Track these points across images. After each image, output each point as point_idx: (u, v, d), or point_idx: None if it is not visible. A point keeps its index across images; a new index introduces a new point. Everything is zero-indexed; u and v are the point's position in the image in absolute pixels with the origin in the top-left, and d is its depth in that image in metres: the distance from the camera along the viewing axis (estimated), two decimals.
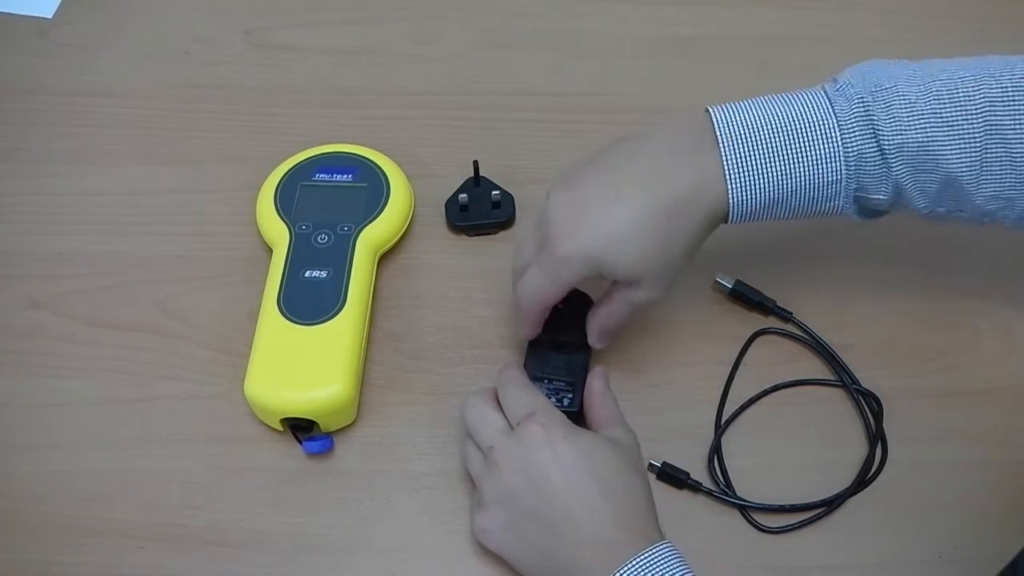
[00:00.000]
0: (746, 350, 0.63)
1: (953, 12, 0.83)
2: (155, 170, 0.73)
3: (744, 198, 0.52)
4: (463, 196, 0.68)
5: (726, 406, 0.61)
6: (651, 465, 0.58)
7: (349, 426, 0.60)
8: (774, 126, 0.51)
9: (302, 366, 0.58)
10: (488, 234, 0.69)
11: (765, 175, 0.51)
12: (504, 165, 0.71)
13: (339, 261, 0.63)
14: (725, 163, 0.51)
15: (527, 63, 0.79)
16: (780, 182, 0.51)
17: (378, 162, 0.68)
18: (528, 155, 0.73)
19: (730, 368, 0.63)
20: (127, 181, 0.72)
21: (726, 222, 0.54)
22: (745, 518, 0.57)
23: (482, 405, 0.56)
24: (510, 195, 0.69)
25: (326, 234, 0.64)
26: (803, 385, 0.62)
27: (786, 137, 0.51)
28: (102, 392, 0.62)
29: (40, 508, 0.58)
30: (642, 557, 0.48)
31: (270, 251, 0.65)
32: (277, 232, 0.65)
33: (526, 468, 0.51)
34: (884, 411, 0.60)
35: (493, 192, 0.68)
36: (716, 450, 0.59)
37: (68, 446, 0.60)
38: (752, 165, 0.51)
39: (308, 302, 0.60)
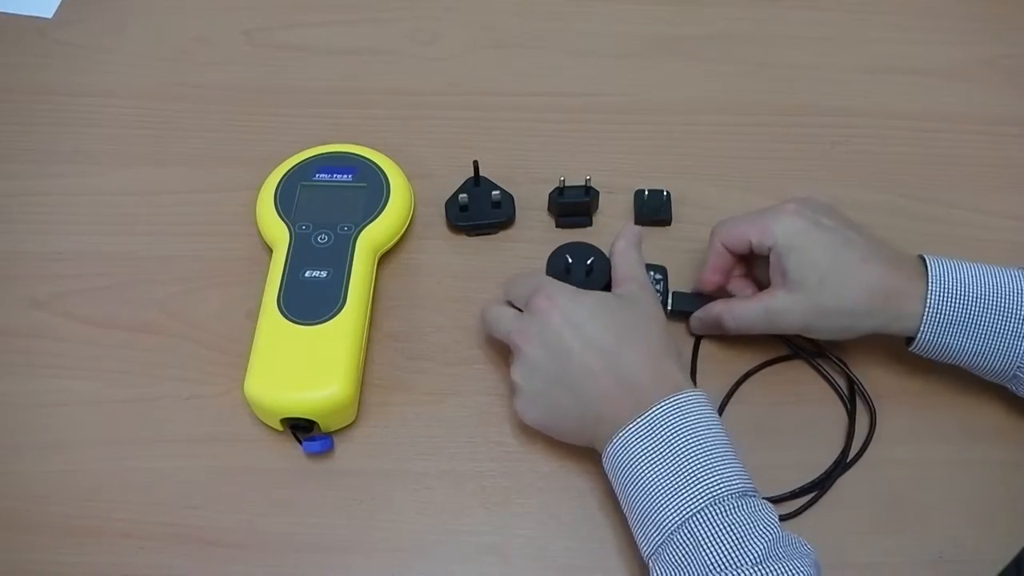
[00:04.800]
0: (698, 348, 0.64)
1: (953, 12, 0.83)
2: (155, 170, 0.73)
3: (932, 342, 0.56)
4: (463, 196, 0.68)
5: None
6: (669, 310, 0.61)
7: (349, 426, 0.60)
8: (979, 280, 0.55)
9: (302, 366, 0.58)
10: (488, 234, 0.69)
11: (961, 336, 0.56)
12: (504, 165, 0.71)
13: (339, 261, 0.62)
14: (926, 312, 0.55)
15: (527, 63, 0.79)
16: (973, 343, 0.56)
17: (378, 162, 0.68)
18: (528, 155, 0.73)
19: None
20: (127, 181, 0.72)
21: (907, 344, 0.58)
22: None
23: (494, 307, 0.60)
24: (510, 195, 0.69)
25: (326, 234, 0.64)
26: (768, 367, 0.63)
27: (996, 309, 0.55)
28: (102, 392, 0.62)
29: (40, 508, 0.58)
30: (667, 403, 0.51)
31: (270, 251, 0.65)
32: (277, 232, 0.65)
33: (541, 338, 0.55)
34: (860, 376, 0.62)
35: (493, 192, 0.68)
36: None
37: (68, 446, 0.60)
38: (951, 299, 0.55)
39: (308, 302, 0.60)
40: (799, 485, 0.58)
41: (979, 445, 0.60)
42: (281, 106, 0.76)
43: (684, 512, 0.49)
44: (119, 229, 0.69)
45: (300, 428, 0.58)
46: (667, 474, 0.50)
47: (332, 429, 0.59)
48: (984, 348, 0.55)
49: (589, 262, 0.61)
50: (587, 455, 0.58)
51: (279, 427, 0.59)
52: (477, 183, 0.69)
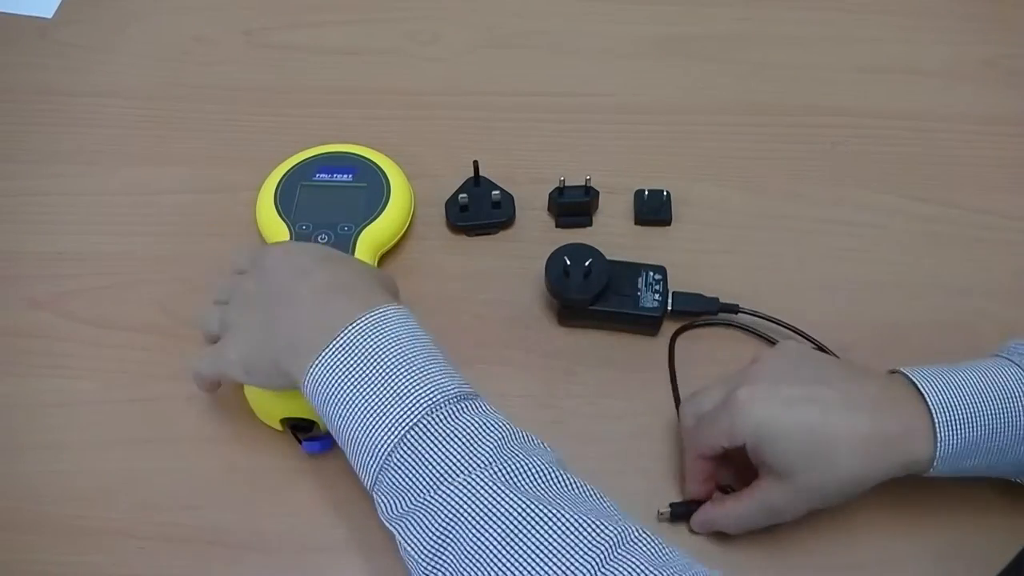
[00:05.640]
0: (673, 350, 0.63)
1: (953, 12, 0.83)
2: (155, 170, 0.73)
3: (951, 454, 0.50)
4: (463, 196, 0.68)
5: None
6: (660, 513, 0.56)
7: None
8: (979, 394, 0.50)
9: None
10: (488, 234, 0.69)
11: (972, 436, 0.49)
12: (504, 165, 0.71)
13: None
14: (935, 418, 0.49)
15: (527, 63, 0.79)
16: (988, 442, 0.50)
17: (378, 162, 0.68)
18: (528, 155, 0.73)
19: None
20: (127, 181, 0.72)
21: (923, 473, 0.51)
22: None
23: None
24: (510, 195, 0.69)
25: (326, 234, 0.64)
26: None
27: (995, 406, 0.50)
28: (102, 392, 0.62)
29: (40, 508, 0.58)
30: (361, 321, 0.48)
31: None
32: (277, 232, 0.65)
33: (259, 271, 0.54)
34: None
35: (493, 192, 0.68)
36: None
37: (68, 446, 0.60)
38: (960, 426, 0.49)
39: None
40: None
41: None
42: (281, 106, 0.76)
43: (399, 427, 0.45)
44: (119, 229, 0.69)
45: (300, 428, 0.58)
46: (373, 393, 0.46)
47: None
48: (996, 461, 0.51)
49: (587, 263, 0.61)
50: (587, 454, 0.58)
51: (279, 427, 0.59)
52: (477, 183, 0.69)
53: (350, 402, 0.47)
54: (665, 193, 0.70)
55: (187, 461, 0.59)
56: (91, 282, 0.67)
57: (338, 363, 0.48)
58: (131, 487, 0.58)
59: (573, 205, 0.69)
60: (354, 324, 0.48)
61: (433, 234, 0.69)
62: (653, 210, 0.69)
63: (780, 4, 0.83)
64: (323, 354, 0.48)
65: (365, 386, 0.47)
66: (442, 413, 0.46)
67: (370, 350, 0.48)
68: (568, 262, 0.61)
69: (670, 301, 0.63)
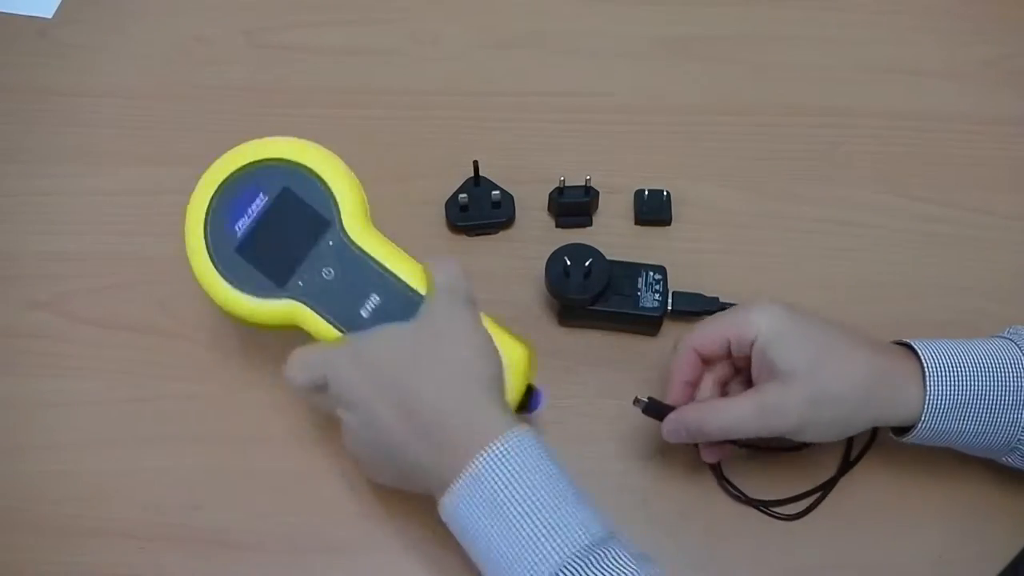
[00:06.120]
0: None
1: (953, 12, 0.83)
2: (155, 170, 0.73)
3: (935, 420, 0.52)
4: (463, 196, 0.68)
5: None
6: (636, 399, 0.55)
7: None
8: (970, 358, 0.52)
9: None
10: (488, 234, 0.69)
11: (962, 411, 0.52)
12: (504, 165, 0.71)
13: (365, 275, 0.54)
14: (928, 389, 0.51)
15: (527, 63, 0.79)
16: (975, 418, 0.52)
17: (270, 154, 0.57)
18: (528, 155, 0.73)
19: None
20: (127, 181, 0.72)
21: (896, 434, 0.55)
22: (767, 514, 0.58)
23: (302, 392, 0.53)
24: (510, 195, 0.69)
25: (328, 270, 0.54)
26: None
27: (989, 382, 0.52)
28: (102, 392, 0.62)
29: (40, 508, 0.58)
30: (484, 457, 0.47)
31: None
32: (285, 313, 0.53)
33: (348, 400, 0.50)
34: None
35: (493, 192, 0.68)
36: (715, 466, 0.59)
37: (68, 446, 0.60)
38: (949, 381, 0.52)
39: (388, 318, 0.53)
40: (804, 489, 0.58)
41: None
42: (281, 106, 0.76)
43: None
44: (119, 229, 0.69)
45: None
46: (505, 543, 0.47)
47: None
48: (984, 426, 0.52)
49: (587, 263, 0.61)
50: (587, 454, 0.58)
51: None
52: (477, 183, 0.69)
53: (483, 544, 0.48)
54: (665, 193, 0.70)
55: (187, 461, 0.59)
56: (91, 282, 0.67)
57: (467, 503, 0.48)
58: (131, 487, 0.58)
59: (573, 205, 0.69)
60: (475, 463, 0.47)
61: (433, 234, 0.69)
62: (653, 210, 0.69)
63: (780, 4, 0.83)
64: (452, 491, 0.48)
65: (495, 533, 0.47)
66: (569, 571, 0.45)
67: (496, 494, 0.47)
68: (568, 262, 0.61)
69: (670, 301, 0.63)
